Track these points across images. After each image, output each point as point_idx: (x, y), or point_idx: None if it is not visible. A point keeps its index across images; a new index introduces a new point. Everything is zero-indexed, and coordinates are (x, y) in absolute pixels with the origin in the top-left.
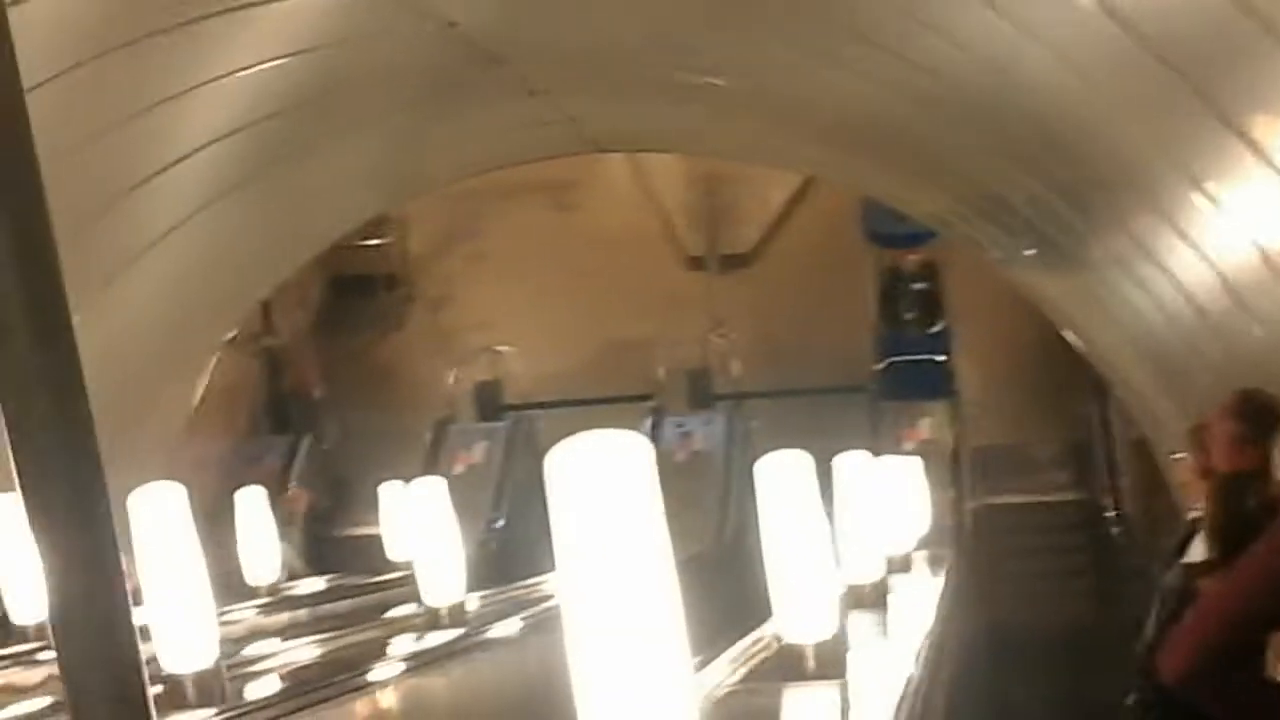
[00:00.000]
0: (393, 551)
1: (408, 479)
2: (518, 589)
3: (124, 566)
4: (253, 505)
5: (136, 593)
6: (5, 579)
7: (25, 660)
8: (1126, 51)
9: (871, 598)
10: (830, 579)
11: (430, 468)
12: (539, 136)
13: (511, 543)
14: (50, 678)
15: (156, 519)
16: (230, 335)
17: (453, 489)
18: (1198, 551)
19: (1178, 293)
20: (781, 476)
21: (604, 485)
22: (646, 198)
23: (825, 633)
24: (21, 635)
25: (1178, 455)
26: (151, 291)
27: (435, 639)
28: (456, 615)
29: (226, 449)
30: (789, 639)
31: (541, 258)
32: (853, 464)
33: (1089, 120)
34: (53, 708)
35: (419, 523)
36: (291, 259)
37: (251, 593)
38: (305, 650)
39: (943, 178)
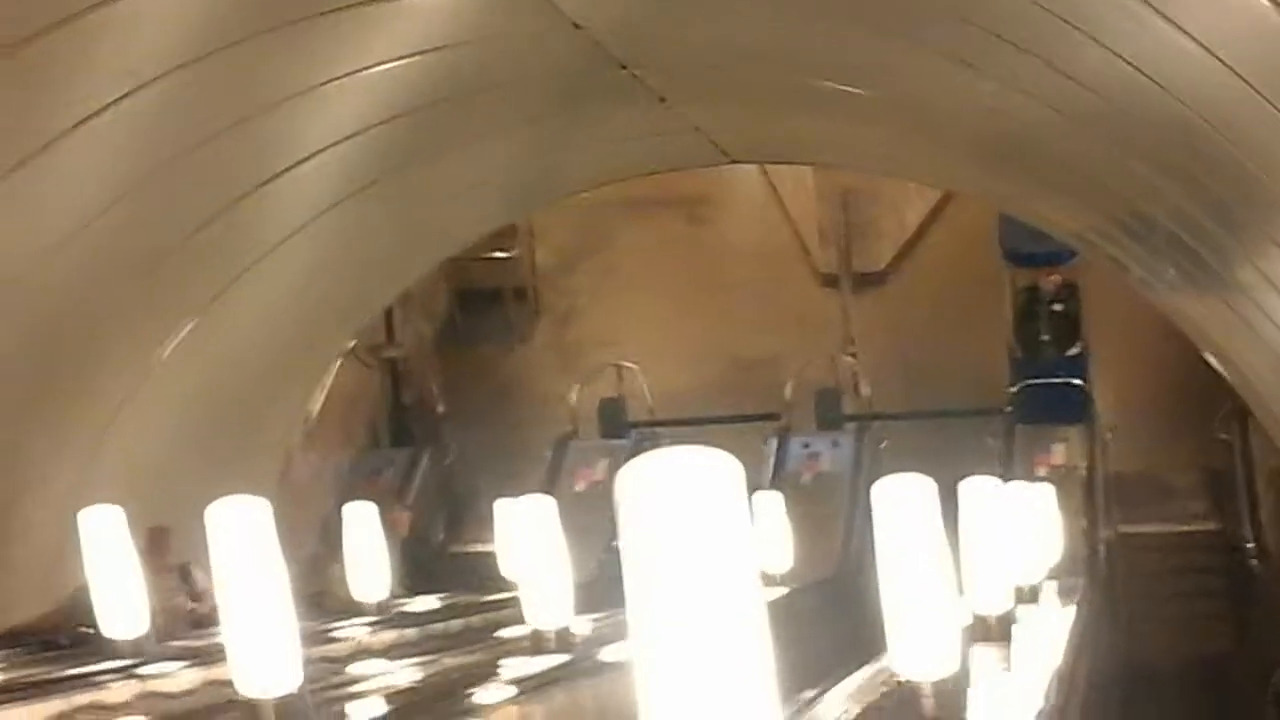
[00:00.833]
0: (506, 570)
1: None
2: None
3: (200, 583)
4: (362, 521)
5: (214, 613)
6: (100, 592)
7: (122, 674)
8: None
9: (998, 630)
10: (951, 613)
11: (550, 485)
12: (669, 146)
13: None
14: (142, 695)
15: (236, 535)
16: (351, 344)
17: (574, 507)
18: None
19: None
20: (900, 501)
21: (678, 508)
22: (780, 213)
23: (945, 669)
24: (113, 649)
25: None
26: (275, 294)
27: (540, 663)
28: (563, 639)
29: (345, 461)
30: (906, 675)
31: (671, 273)
32: (978, 490)
33: (1249, 130)
34: None
35: (526, 543)
36: (418, 265)
37: (359, 609)
38: (406, 673)
39: (1088, 194)
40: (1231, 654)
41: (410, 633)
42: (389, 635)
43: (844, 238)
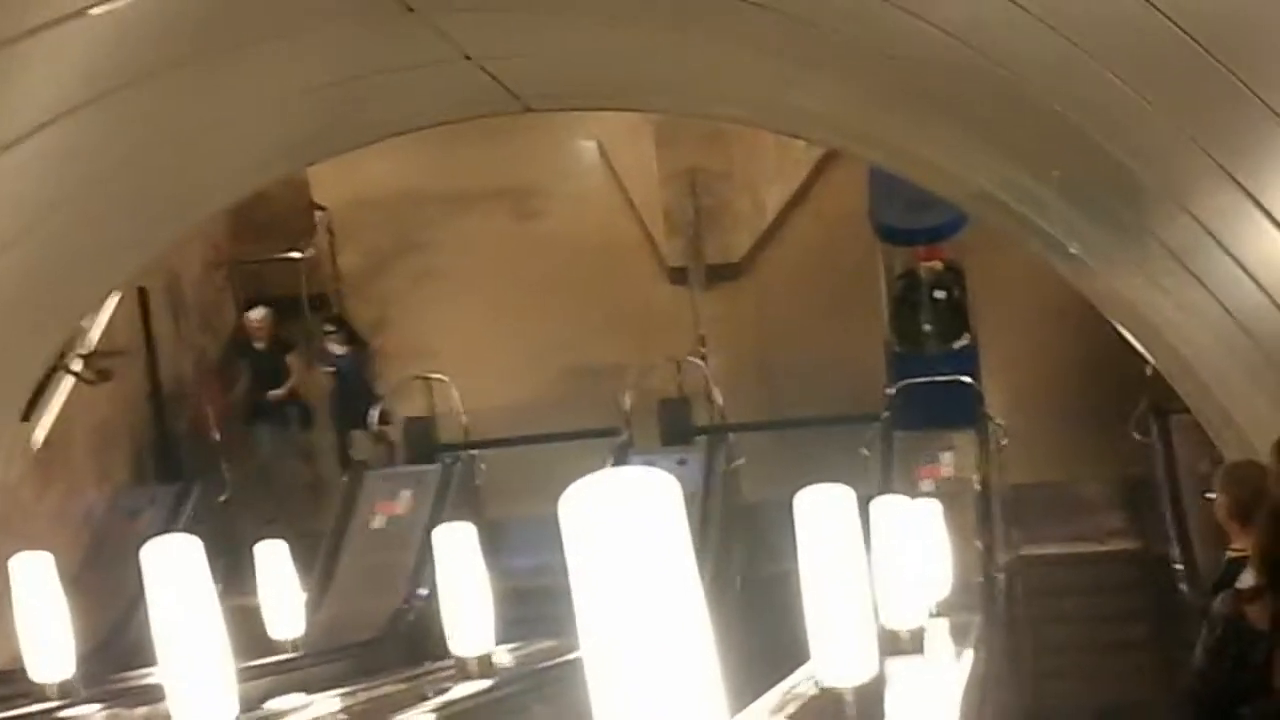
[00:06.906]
0: (273, 627)
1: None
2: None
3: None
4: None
5: None
6: (27, 635)
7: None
8: None
9: (864, 697)
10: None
11: (344, 521)
12: (450, 85)
13: (434, 615)
14: None
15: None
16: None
17: (370, 546)
18: (1246, 580)
19: None
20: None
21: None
22: (620, 200)
23: None
24: (40, 693)
25: (1210, 495)
26: None
27: None
28: None
29: (101, 499)
30: None
31: (496, 274)
32: (833, 503)
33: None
34: None
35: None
36: (165, 228)
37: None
38: None
39: (1001, 134)
40: (1157, 698)
41: None
42: None
43: (693, 225)
